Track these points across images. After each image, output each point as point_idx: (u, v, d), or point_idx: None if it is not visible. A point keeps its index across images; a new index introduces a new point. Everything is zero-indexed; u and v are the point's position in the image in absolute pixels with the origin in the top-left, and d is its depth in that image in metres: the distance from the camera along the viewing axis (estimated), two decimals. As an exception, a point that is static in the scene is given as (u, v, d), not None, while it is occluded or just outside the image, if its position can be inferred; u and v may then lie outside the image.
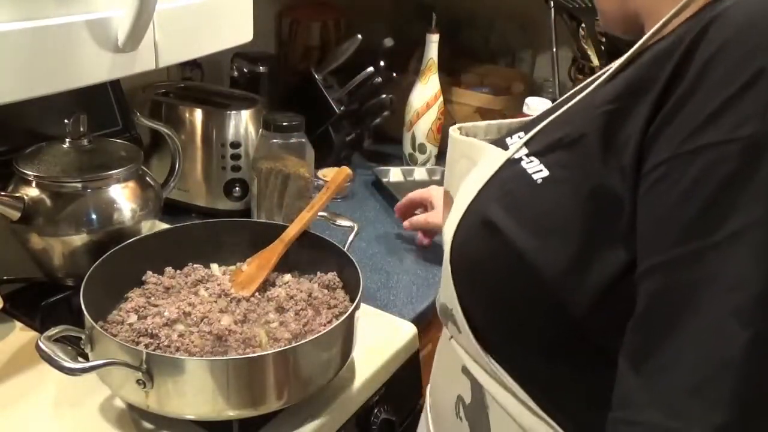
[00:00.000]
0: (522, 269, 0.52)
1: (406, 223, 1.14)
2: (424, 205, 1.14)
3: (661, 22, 0.51)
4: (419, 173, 1.49)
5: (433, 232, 1.13)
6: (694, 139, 0.43)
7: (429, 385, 0.77)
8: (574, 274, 0.50)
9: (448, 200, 0.69)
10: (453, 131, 0.70)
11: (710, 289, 0.42)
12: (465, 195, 0.59)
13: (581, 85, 0.64)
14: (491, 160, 0.59)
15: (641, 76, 0.49)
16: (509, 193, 0.55)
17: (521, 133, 0.62)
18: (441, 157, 1.49)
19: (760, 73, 0.42)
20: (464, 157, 0.66)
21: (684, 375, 0.43)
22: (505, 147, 0.61)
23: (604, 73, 0.56)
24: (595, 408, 0.50)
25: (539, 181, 0.53)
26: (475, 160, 0.63)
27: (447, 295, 0.62)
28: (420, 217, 1.12)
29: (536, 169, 0.54)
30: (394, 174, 1.47)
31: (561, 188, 0.52)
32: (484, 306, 0.58)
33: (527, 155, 0.56)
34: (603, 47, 1.40)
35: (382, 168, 1.47)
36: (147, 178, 1.00)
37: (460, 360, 0.63)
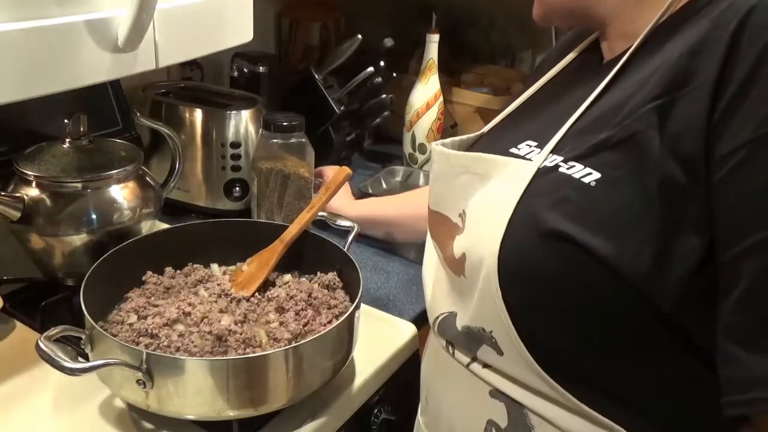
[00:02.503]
0: (604, 273, 0.52)
1: None
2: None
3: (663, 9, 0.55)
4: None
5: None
6: None
7: (425, 405, 0.75)
8: (659, 269, 0.51)
9: (439, 219, 0.66)
10: (441, 147, 0.68)
11: None
12: (495, 210, 0.57)
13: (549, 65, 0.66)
14: (517, 171, 0.58)
15: (684, 66, 0.51)
16: (564, 200, 0.54)
17: (530, 141, 0.61)
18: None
19: None
20: (467, 172, 0.63)
21: None
22: (520, 157, 0.60)
23: (608, 70, 0.57)
24: (666, 400, 0.54)
25: (593, 184, 0.53)
26: (483, 175, 0.61)
27: (483, 317, 0.59)
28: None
29: (584, 173, 0.53)
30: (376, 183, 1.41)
31: (620, 187, 0.52)
32: (548, 322, 0.56)
33: (564, 161, 0.55)
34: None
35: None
36: (147, 178, 1.00)
37: (485, 385, 0.62)
